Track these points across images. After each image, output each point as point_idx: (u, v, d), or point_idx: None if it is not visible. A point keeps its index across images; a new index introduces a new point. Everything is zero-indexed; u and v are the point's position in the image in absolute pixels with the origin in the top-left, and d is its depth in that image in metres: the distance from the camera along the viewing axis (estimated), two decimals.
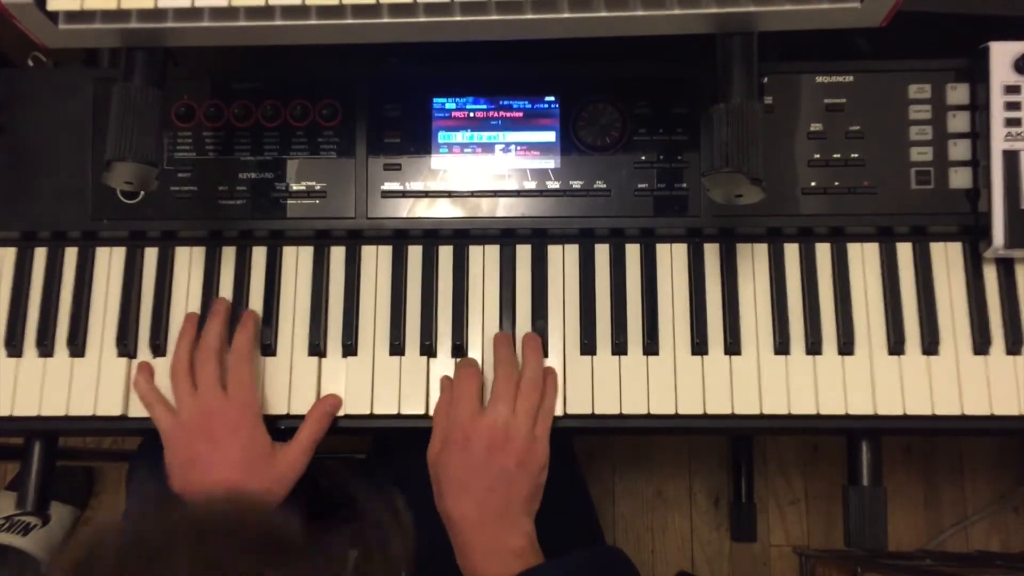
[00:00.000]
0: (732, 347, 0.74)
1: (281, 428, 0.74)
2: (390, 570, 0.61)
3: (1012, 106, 0.71)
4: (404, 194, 0.75)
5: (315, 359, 0.75)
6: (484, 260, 0.77)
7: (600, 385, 0.73)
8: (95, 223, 0.76)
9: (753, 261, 0.76)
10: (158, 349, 0.76)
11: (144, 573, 0.45)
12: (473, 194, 0.75)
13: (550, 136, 0.75)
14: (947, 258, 0.75)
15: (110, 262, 0.78)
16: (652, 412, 0.73)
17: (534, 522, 0.70)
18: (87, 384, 0.75)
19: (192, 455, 0.70)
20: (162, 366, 0.75)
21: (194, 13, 0.59)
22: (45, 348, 0.76)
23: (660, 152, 0.74)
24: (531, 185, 0.75)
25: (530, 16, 0.59)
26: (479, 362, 0.75)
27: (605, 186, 0.74)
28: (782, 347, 0.74)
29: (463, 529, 0.69)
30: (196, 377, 0.72)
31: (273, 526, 0.51)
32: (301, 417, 0.74)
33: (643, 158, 0.74)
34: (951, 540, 1.45)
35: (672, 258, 0.76)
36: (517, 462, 0.68)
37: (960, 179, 0.73)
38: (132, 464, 0.89)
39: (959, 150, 0.73)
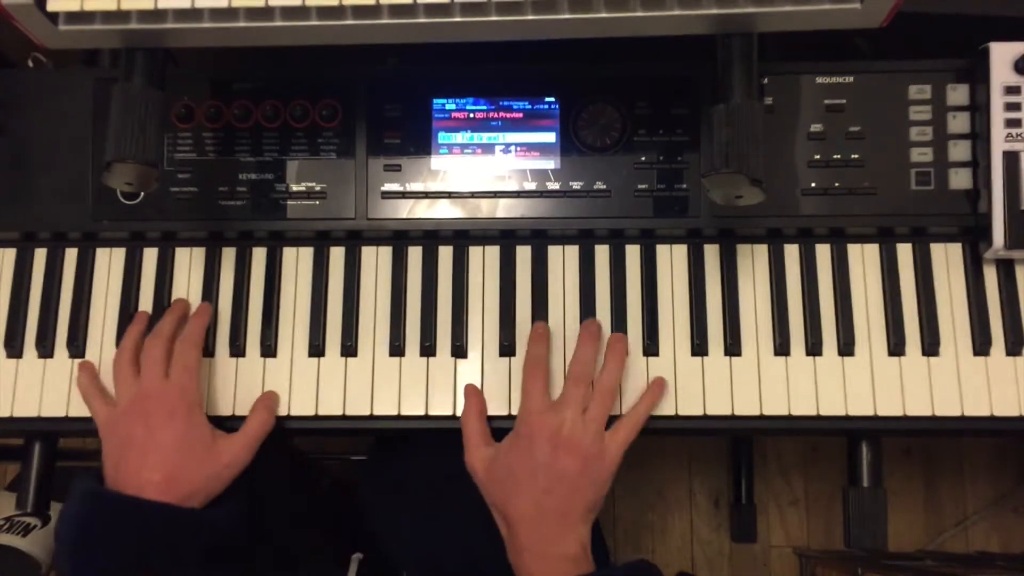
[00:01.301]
0: (732, 348, 0.74)
1: (284, 428, 0.74)
2: None
3: (1012, 107, 0.71)
4: (404, 195, 0.75)
5: (315, 360, 0.75)
6: (484, 261, 0.77)
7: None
8: (95, 224, 0.76)
9: (753, 262, 0.76)
10: None
11: None
12: (473, 195, 0.75)
13: (550, 137, 0.75)
14: (947, 259, 0.75)
15: (110, 263, 0.78)
16: (652, 413, 0.73)
17: (590, 530, 0.69)
18: None
19: (126, 441, 0.68)
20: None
21: (194, 14, 0.59)
22: (45, 349, 0.76)
23: (660, 153, 0.74)
24: (531, 186, 0.75)
25: (530, 17, 0.59)
26: (479, 362, 0.75)
27: (605, 187, 0.74)
28: (782, 348, 0.74)
29: (518, 528, 0.67)
30: (141, 362, 0.71)
31: None
32: (301, 418, 0.74)
33: (643, 159, 0.74)
34: (951, 540, 1.45)
35: (672, 259, 0.76)
36: (579, 469, 0.67)
37: (960, 180, 0.73)
38: None
39: (959, 151, 0.73)
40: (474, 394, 0.73)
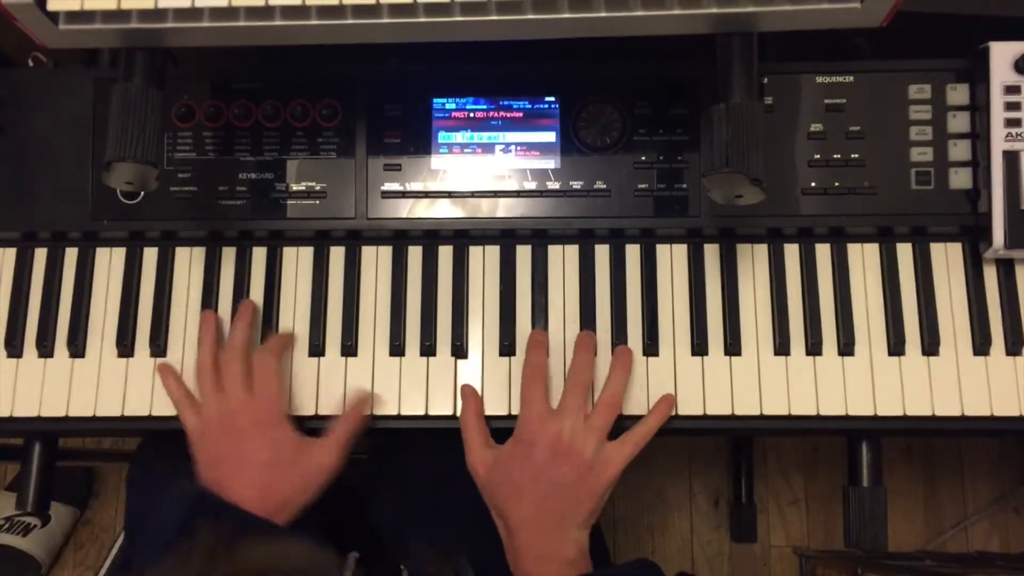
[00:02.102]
0: (732, 348, 0.74)
1: None
2: None
3: (1012, 106, 0.71)
4: (404, 194, 0.75)
5: (315, 359, 0.75)
6: (484, 260, 0.77)
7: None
8: (95, 223, 0.76)
9: (753, 262, 0.76)
10: (158, 349, 0.76)
11: None
12: (473, 194, 0.75)
13: (550, 136, 0.75)
14: (947, 259, 0.75)
15: (110, 262, 0.78)
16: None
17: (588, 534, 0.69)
18: (87, 384, 0.75)
19: (218, 455, 0.70)
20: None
21: (194, 13, 0.59)
22: (45, 348, 0.76)
23: (660, 152, 0.74)
24: (531, 185, 0.75)
25: (530, 16, 0.59)
26: (479, 361, 0.75)
27: (605, 186, 0.74)
28: (782, 348, 0.74)
29: (518, 532, 0.68)
30: (222, 377, 0.72)
31: None
32: (302, 418, 0.74)
33: (643, 158, 0.74)
34: (951, 540, 1.45)
35: (672, 258, 0.76)
36: (577, 477, 0.67)
37: (960, 179, 0.73)
38: (132, 467, 0.89)
39: (959, 150, 0.73)
40: (471, 395, 0.73)
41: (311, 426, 0.74)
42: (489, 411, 0.74)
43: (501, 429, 0.72)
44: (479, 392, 0.74)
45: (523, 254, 0.77)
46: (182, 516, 0.66)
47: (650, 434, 0.70)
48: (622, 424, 0.72)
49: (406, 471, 0.87)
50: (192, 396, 0.73)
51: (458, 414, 0.73)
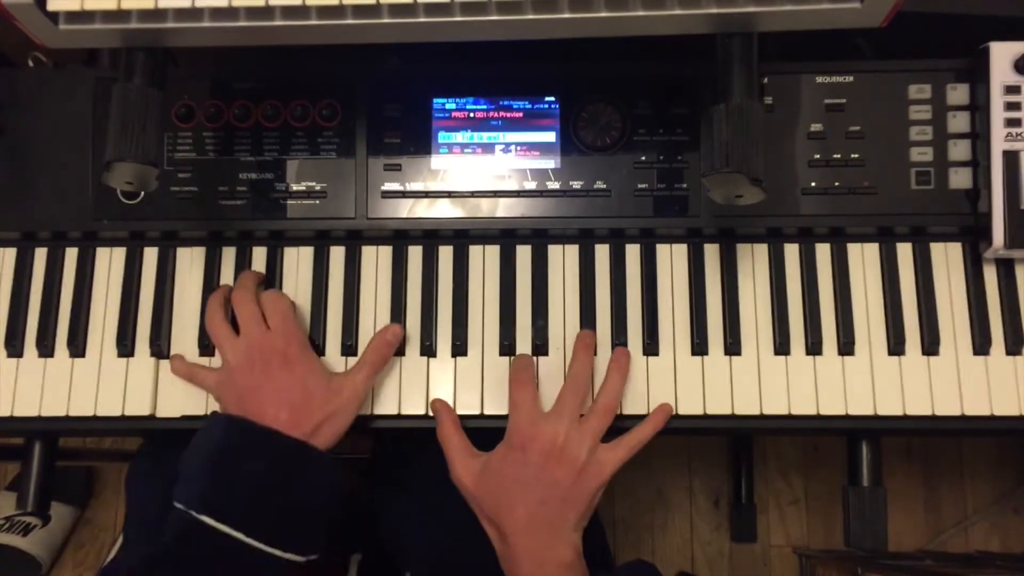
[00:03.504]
0: (732, 347, 0.74)
1: None
2: None
3: (1012, 106, 0.71)
4: (404, 194, 0.75)
5: None
6: (484, 260, 0.77)
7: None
8: (95, 223, 0.76)
9: (753, 261, 0.76)
10: (158, 350, 0.76)
11: None
12: (473, 194, 0.75)
13: (550, 136, 0.75)
14: (947, 258, 0.75)
15: (110, 262, 0.78)
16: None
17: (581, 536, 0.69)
18: (87, 384, 0.75)
19: (248, 390, 0.68)
20: (162, 367, 0.75)
21: (194, 13, 0.59)
22: (45, 348, 0.76)
23: (660, 152, 0.74)
24: (531, 185, 0.75)
25: (530, 16, 0.59)
26: (479, 361, 0.75)
27: (605, 186, 0.74)
28: (782, 347, 0.74)
29: (512, 537, 0.67)
30: (239, 318, 0.71)
31: None
32: None
33: (643, 158, 0.74)
34: (951, 540, 1.45)
35: (672, 258, 0.76)
36: (573, 479, 0.67)
37: (960, 179, 0.73)
38: (132, 467, 0.89)
39: (959, 150, 0.73)
40: (444, 409, 0.73)
41: None
42: (489, 411, 0.74)
43: (500, 429, 0.72)
44: (478, 394, 0.74)
45: (523, 254, 0.77)
46: (218, 443, 0.66)
47: (644, 441, 0.70)
48: (621, 424, 0.72)
49: (407, 472, 0.87)
50: (200, 364, 0.74)
51: (459, 412, 0.73)
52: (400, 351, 0.75)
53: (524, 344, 0.75)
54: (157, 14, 0.59)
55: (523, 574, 0.67)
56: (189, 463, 0.67)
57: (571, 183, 0.75)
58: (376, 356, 0.72)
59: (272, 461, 0.66)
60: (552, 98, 0.76)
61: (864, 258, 0.76)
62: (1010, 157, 0.70)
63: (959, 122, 0.74)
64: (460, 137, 0.76)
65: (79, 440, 1.40)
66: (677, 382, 0.73)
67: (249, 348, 0.70)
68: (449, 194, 0.75)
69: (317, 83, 0.76)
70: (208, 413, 0.74)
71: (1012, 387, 0.72)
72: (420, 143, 0.75)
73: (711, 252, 0.76)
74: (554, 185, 0.75)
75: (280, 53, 0.63)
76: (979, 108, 0.73)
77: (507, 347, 0.75)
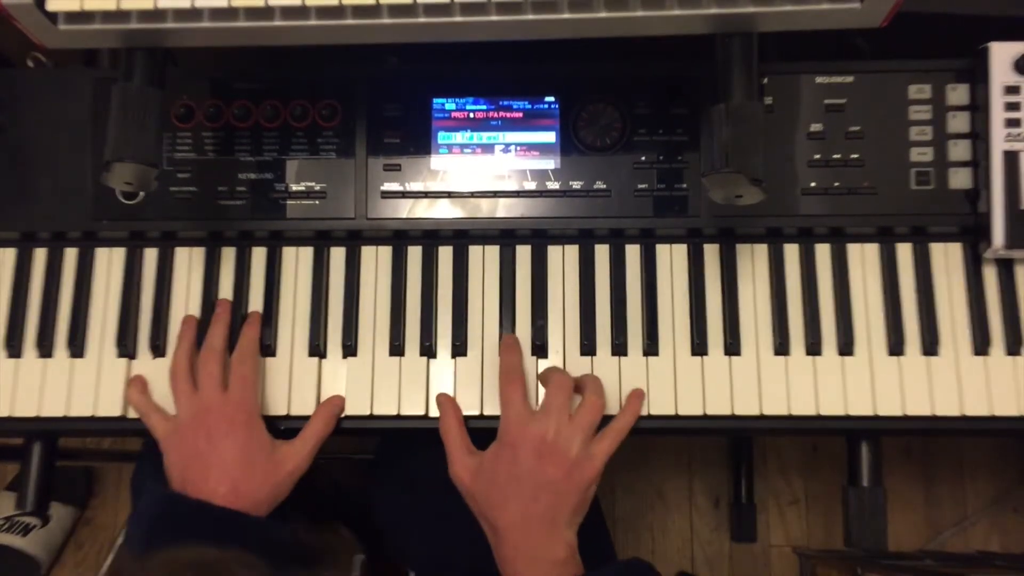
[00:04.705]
0: (732, 348, 0.74)
1: (281, 429, 0.74)
2: None
3: (1012, 106, 0.71)
4: (404, 195, 0.75)
5: (315, 360, 0.75)
6: (484, 261, 0.77)
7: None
8: (95, 223, 0.76)
9: (753, 261, 0.76)
10: (158, 350, 0.76)
11: None
12: (473, 195, 0.75)
13: (550, 136, 0.75)
14: (947, 258, 0.75)
15: (110, 262, 0.78)
16: (652, 413, 0.73)
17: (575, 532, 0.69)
18: (87, 384, 0.75)
19: (190, 454, 0.69)
20: (161, 367, 0.75)
21: (194, 14, 0.59)
22: (45, 348, 0.76)
23: (660, 152, 0.74)
24: (531, 186, 0.75)
25: (530, 17, 0.59)
26: (479, 361, 0.75)
27: (605, 186, 0.74)
28: (782, 348, 0.74)
29: (507, 536, 0.67)
30: (197, 377, 0.72)
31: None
32: (301, 418, 0.74)
33: (643, 158, 0.74)
34: (951, 540, 1.45)
35: (672, 258, 0.76)
36: (565, 474, 0.67)
37: (960, 179, 0.73)
38: (137, 469, 0.89)
39: (959, 150, 0.73)
40: (449, 404, 0.73)
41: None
42: (489, 411, 0.74)
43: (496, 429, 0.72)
44: (478, 394, 0.74)
45: (523, 254, 0.77)
46: (151, 520, 0.67)
47: (626, 429, 0.71)
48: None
49: (410, 472, 0.87)
50: (157, 404, 0.73)
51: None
52: (400, 351, 0.75)
53: (524, 344, 0.75)
54: (157, 14, 0.59)
55: (517, 571, 0.67)
56: (132, 530, 0.69)
57: (571, 183, 0.75)
58: (323, 427, 0.72)
59: (207, 533, 0.66)
60: (552, 98, 0.76)
61: (864, 258, 0.76)
62: (1010, 157, 0.70)
63: (959, 122, 0.74)
64: (460, 137, 0.76)
65: (79, 440, 1.40)
66: (677, 382, 0.73)
67: (199, 410, 0.70)
68: (449, 194, 0.75)
69: (317, 83, 0.76)
70: None
71: (1012, 387, 0.72)
72: (420, 143, 0.75)
73: (711, 252, 0.76)
74: (554, 185, 0.75)
75: (280, 53, 0.63)
76: (979, 108, 0.73)
77: None
